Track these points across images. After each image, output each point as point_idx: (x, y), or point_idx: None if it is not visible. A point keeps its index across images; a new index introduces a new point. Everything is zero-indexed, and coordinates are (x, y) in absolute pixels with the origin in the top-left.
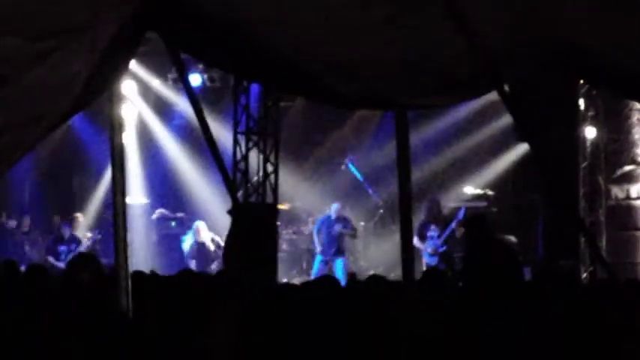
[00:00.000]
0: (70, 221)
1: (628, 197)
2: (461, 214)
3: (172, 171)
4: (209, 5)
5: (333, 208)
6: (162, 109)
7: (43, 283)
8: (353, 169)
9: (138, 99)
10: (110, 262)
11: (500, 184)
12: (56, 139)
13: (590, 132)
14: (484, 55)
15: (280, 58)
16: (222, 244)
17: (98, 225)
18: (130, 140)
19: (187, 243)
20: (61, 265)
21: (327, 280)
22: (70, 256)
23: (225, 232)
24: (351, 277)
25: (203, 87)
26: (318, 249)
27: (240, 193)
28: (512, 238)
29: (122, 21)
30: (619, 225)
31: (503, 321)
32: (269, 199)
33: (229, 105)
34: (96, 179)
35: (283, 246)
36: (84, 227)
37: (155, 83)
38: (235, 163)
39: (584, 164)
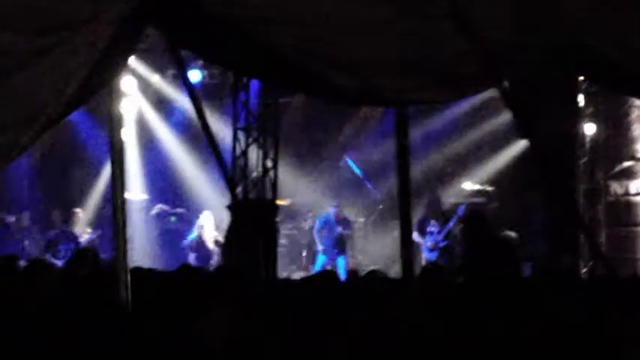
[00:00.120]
0: (69, 218)
1: (627, 193)
2: (461, 211)
3: (172, 167)
4: (209, 2)
5: (332, 211)
6: (162, 105)
7: (43, 278)
8: (352, 164)
9: (137, 95)
10: (110, 257)
11: (499, 180)
12: (55, 134)
13: (589, 128)
14: (484, 53)
15: (280, 55)
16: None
17: (98, 220)
18: (129, 136)
19: (191, 236)
20: (59, 262)
21: (326, 275)
22: (69, 254)
23: (225, 228)
24: (353, 274)
25: (203, 83)
26: (320, 248)
27: (239, 189)
28: (512, 234)
29: (122, 18)
30: (618, 221)
31: (502, 317)
32: (268, 194)
33: (229, 101)
34: (95, 174)
35: (283, 241)
36: (84, 223)
37: (155, 79)
38: (235, 158)
39: (583, 160)
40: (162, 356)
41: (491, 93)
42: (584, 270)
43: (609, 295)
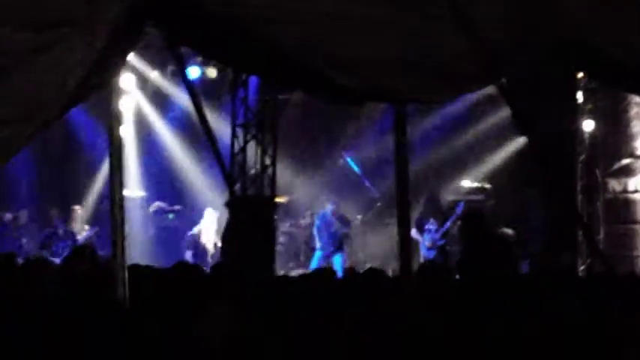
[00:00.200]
0: (67, 215)
1: (625, 190)
2: (459, 209)
3: (170, 164)
4: (209, 2)
5: (329, 209)
6: (161, 101)
7: (40, 275)
8: (351, 162)
9: (136, 91)
10: (108, 254)
11: (498, 178)
12: (54, 130)
13: (588, 125)
14: (484, 52)
15: (280, 53)
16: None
17: (96, 217)
18: (128, 133)
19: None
20: (56, 260)
21: (324, 272)
22: (66, 252)
23: (223, 225)
24: (351, 271)
25: (202, 80)
26: (318, 245)
27: (237, 186)
28: (510, 232)
29: (121, 16)
30: (616, 218)
31: (500, 316)
32: (267, 191)
33: (228, 98)
34: (94, 171)
35: (281, 239)
36: (82, 220)
37: (153, 76)
38: (233, 155)
39: (581, 157)
40: (159, 354)
41: (490, 90)
42: (582, 267)
43: (607, 293)
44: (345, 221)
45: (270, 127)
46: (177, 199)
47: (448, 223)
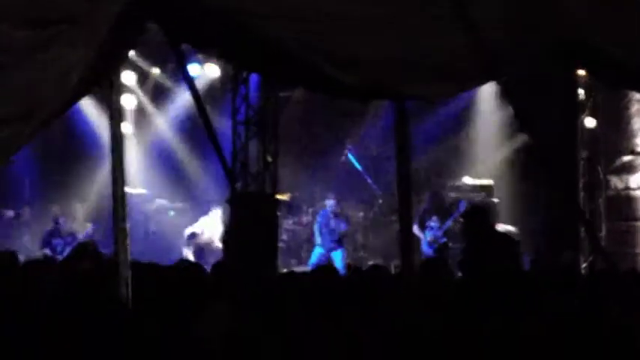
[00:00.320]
0: (68, 213)
1: (627, 187)
2: (462, 207)
3: (171, 161)
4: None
5: (329, 205)
6: (162, 98)
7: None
8: (352, 159)
9: (137, 88)
10: (109, 252)
11: (500, 174)
12: (56, 128)
13: (589, 122)
14: (484, 52)
15: (280, 50)
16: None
17: (98, 215)
18: (129, 130)
19: (190, 230)
20: (57, 257)
21: (326, 270)
22: (67, 250)
23: (224, 222)
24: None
25: (203, 77)
26: (318, 241)
27: (239, 183)
28: (512, 229)
29: (121, 12)
30: (618, 215)
31: (501, 314)
32: (268, 189)
33: (229, 95)
34: (95, 169)
35: (283, 236)
36: (84, 217)
37: (154, 72)
38: (235, 153)
39: (583, 154)
40: (159, 353)
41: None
42: (584, 264)
43: (609, 291)
44: (342, 217)
45: (271, 124)
46: (178, 197)
47: (450, 221)
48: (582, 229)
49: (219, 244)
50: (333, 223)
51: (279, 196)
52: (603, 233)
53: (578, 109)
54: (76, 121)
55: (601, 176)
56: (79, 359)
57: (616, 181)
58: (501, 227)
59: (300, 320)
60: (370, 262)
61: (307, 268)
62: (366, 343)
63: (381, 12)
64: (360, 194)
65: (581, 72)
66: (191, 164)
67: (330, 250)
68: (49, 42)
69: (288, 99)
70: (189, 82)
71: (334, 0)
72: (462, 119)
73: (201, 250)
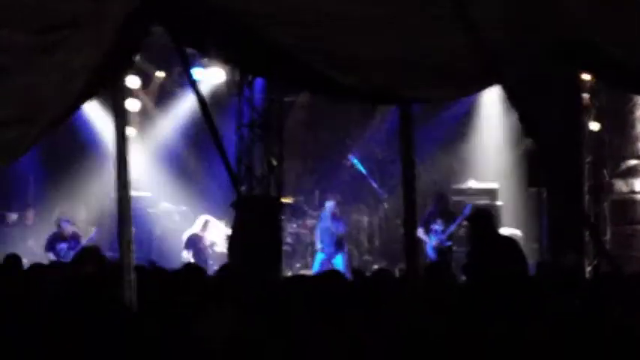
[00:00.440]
0: (72, 216)
1: (632, 191)
2: (467, 210)
3: (176, 164)
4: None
5: (328, 207)
6: (166, 101)
7: (46, 278)
8: (357, 163)
9: (141, 91)
10: (113, 255)
11: (504, 178)
12: (59, 130)
13: (594, 126)
14: (485, 53)
15: (280, 52)
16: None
17: (102, 218)
18: (132, 133)
19: (187, 233)
20: (61, 261)
21: (331, 274)
22: (71, 254)
23: (229, 226)
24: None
25: (207, 80)
26: (319, 247)
27: (244, 187)
28: (517, 232)
29: (126, 16)
30: (623, 219)
31: (503, 317)
32: (273, 192)
33: (234, 99)
34: (100, 172)
35: (287, 240)
36: (88, 221)
37: (159, 76)
38: (239, 156)
39: (588, 158)
40: (164, 356)
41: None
42: (588, 268)
43: (613, 294)
44: (340, 220)
45: (276, 128)
46: (183, 200)
47: (455, 224)
48: (587, 232)
49: (219, 248)
50: (332, 226)
51: (283, 199)
52: (608, 237)
53: (583, 112)
54: (80, 124)
55: (606, 180)
56: None
57: (621, 185)
58: (506, 231)
59: (304, 324)
60: (375, 266)
61: (311, 273)
62: (369, 347)
63: (381, 12)
64: (364, 198)
65: (586, 76)
66: (196, 168)
67: (331, 254)
68: (53, 46)
69: (292, 103)
70: (194, 85)
71: (334, 0)
72: (467, 123)
73: (200, 253)
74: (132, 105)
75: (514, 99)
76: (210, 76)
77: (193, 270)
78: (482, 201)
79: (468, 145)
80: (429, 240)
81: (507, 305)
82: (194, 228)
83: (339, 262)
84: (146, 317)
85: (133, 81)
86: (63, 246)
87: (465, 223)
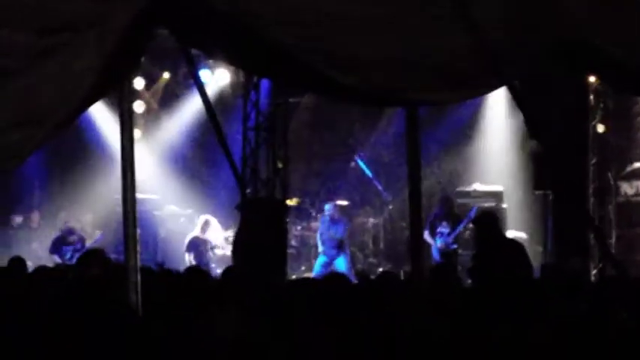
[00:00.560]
0: (77, 219)
1: (637, 194)
2: (472, 213)
3: (182, 167)
4: (217, 1)
5: (327, 210)
6: (172, 104)
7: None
8: (362, 165)
9: (147, 93)
10: (118, 258)
11: (509, 181)
12: (65, 132)
13: (599, 128)
14: (486, 53)
15: (282, 52)
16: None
17: (107, 221)
18: (138, 135)
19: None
20: (66, 263)
21: (335, 277)
22: (76, 256)
23: (235, 228)
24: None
25: (213, 83)
26: (320, 249)
27: (249, 189)
28: (522, 235)
29: (130, 19)
30: (628, 222)
31: (507, 320)
32: (278, 194)
33: (239, 101)
34: (105, 174)
35: (292, 242)
36: (93, 223)
37: (165, 78)
38: (245, 158)
39: (593, 161)
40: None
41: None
42: (594, 271)
43: (617, 297)
44: (341, 222)
45: (281, 130)
46: (188, 203)
47: (460, 227)
48: (592, 235)
49: (219, 250)
50: (331, 229)
51: (288, 202)
52: (613, 240)
53: (589, 114)
54: (85, 126)
55: (611, 182)
56: None
57: (626, 188)
58: (511, 233)
59: (308, 326)
60: (380, 269)
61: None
62: (373, 350)
63: (381, 12)
64: (370, 200)
65: (592, 78)
66: (201, 170)
67: (332, 257)
68: (55, 48)
69: (297, 105)
70: (200, 87)
71: (334, 0)
72: (472, 125)
73: (202, 256)
74: (137, 106)
75: (520, 102)
76: (217, 78)
77: (198, 273)
78: (488, 203)
79: (473, 147)
80: (435, 242)
81: (512, 308)
82: (195, 230)
83: (341, 264)
84: (151, 319)
85: (137, 82)
86: (68, 248)
87: (470, 225)
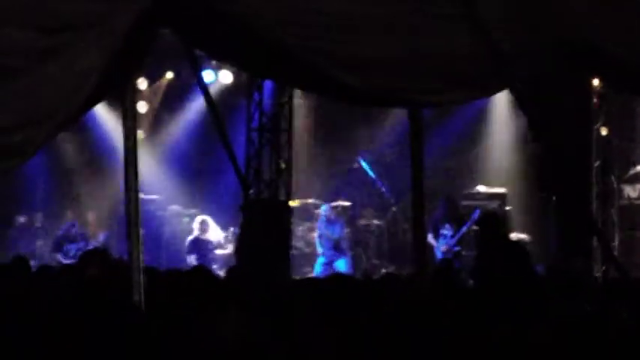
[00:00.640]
0: (82, 218)
1: None
2: (475, 215)
3: (185, 167)
4: (220, 2)
5: (323, 210)
6: (175, 104)
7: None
8: (366, 166)
9: (150, 93)
10: (120, 257)
11: (513, 183)
12: (68, 132)
13: (602, 131)
14: (493, 53)
15: (284, 52)
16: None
17: (111, 220)
18: (142, 136)
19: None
20: (69, 262)
21: (338, 277)
22: (79, 254)
23: (237, 228)
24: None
25: (217, 83)
26: (319, 251)
27: (252, 190)
28: (525, 237)
29: (136, 17)
30: (631, 224)
31: (507, 321)
32: (282, 195)
33: (242, 102)
34: (109, 174)
35: (296, 243)
36: (97, 222)
37: (168, 78)
38: (248, 159)
39: (596, 163)
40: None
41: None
42: (597, 274)
43: (621, 299)
44: (338, 223)
45: (284, 131)
46: (192, 203)
47: (464, 229)
48: (595, 238)
49: (222, 250)
50: (328, 230)
51: (292, 203)
52: (616, 242)
53: (592, 117)
54: (89, 126)
55: (614, 185)
56: None
57: (629, 191)
58: (514, 235)
59: (309, 327)
60: (383, 270)
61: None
62: (374, 351)
63: (387, 12)
64: (373, 202)
65: (595, 80)
66: (205, 170)
67: (331, 258)
68: (63, 47)
69: (301, 106)
70: (204, 88)
71: (335, 1)
72: (475, 127)
73: (204, 257)
74: (140, 107)
75: (522, 102)
76: (220, 79)
77: (202, 272)
78: (491, 205)
79: (476, 149)
80: (438, 244)
81: (514, 309)
82: (194, 231)
83: (341, 265)
84: (154, 319)
85: (140, 82)
86: (72, 247)
87: (474, 227)
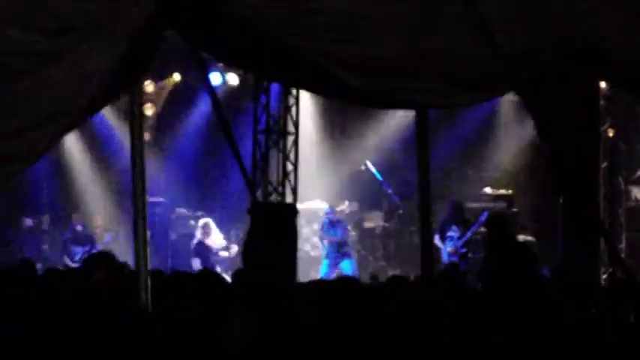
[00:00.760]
0: (88, 221)
1: None
2: (482, 217)
3: (192, 170)
4: (222, 3)
5: (325, 213)
6: (181, 105)
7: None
8: (372, 168)
9: (156, 96)
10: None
11: (519, 185)
12: (75, 134)
13: (610, 133)
14: (498, 55)
15: (288, 54)
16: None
17: (117, 223)
18: (147, 137)
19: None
20: (75, 265)
21: (345, 280)
22: (85, 257)
23: (244, 231)
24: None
25: (223, 86)
26: (323, 253)
27: (259, 192)
28: (532, 239)
29: (138, 19)
30: (638, 226)
31: (517, 322)
32: (289, 198)
33: (249, 104)
34: (115, 176)
35: (302, 246)
36: (103, 225)
37: (175, 80)
38: (255, 162)
39: (603, 165)
40: None
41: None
42: (604, 275)
43: (628, 300)
44: (341, 226)
45: (291, 134)
46: (199, 206)
47: (470, 231)
48: (602, 239)
49: (225, 252)
50: (330, 232)
51: (298, 206)
52: (623, 244)
53: (599, 119)
54: (95, 129)
55: (621, 187)
56: None
57: (636, 192)
58: (521, 237)
59: (316, 329)
60: (390, 272)
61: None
62: (380, 353)
63: (393, 12)
64: (380, 204)
65: (602, 83)
66: (211, 173)
67: (335, 260)
68: (68, 49)
69: (308, 108)
70: (211, 90)
71: (338, 1)
72: (483, 129)
73: (208, 261)
74: (146, 109)
75: (528, 104)
76: (227, 81)
77: (209, 276)
78: (498, 207)
79: (484, 151)
80: (444, 247)
81: (520, 311)
82: (197, 235)
83: (346, 267)
84: (159, 322)
85: (147, 84)
86: (78, 250)
87: (481, 229)
